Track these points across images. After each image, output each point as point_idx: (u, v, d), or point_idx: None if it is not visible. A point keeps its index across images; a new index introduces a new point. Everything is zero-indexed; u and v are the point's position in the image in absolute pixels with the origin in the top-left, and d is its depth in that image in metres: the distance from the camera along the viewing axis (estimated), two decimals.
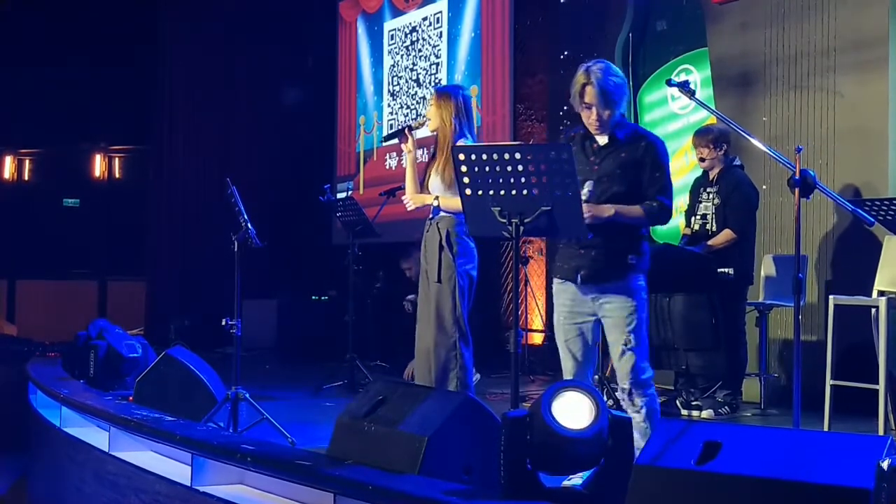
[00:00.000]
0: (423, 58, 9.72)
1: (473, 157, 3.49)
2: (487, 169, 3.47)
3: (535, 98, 8.70)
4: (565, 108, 8.00)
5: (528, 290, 8.12)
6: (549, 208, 3.43)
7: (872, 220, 4.14)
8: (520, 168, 3.42)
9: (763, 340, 5.78)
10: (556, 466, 2.93)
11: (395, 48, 10.18)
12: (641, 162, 3.73)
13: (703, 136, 5.66)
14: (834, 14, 5.86)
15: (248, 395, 4.73)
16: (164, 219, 11.28)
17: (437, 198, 4.62)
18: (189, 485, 3.80)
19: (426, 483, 2.94)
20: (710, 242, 5.51)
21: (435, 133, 4.75)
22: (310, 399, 6.36)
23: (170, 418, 4.44)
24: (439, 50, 9.48)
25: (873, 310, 4.83)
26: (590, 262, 3.74)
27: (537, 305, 8.35)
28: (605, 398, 4.21)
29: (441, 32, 9.46)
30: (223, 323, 4.81)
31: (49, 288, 12.33)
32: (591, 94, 3.70)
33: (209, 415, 4.66)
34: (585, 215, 3.57)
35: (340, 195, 8.81)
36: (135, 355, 5.84)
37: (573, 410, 2.81)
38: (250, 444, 3.75)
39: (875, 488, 2.18)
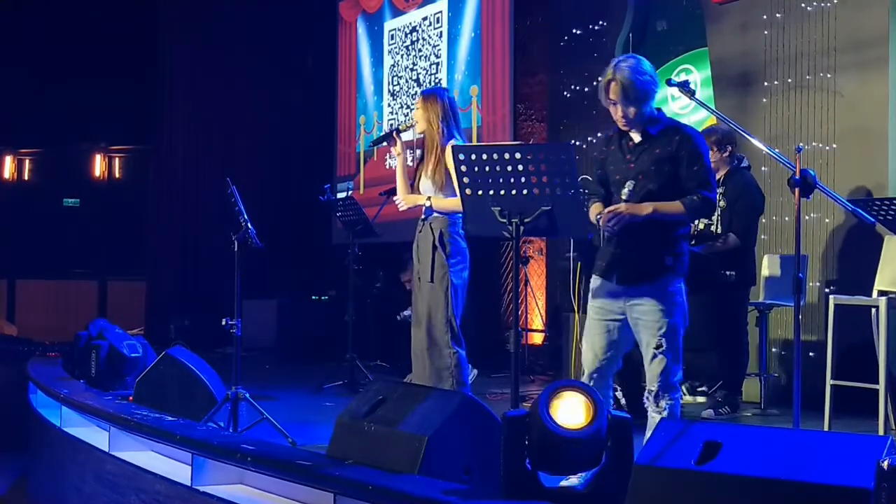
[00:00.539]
0: (423, 58, 9.72)
1: (473, 156, 3.49)
2: (487, 169, 3.47)
3: (535, 98, 8.71)
4: (565, 108, 8.02)
5: (528, 290, 8.12)
6: (549, 208, 3.43)
7: (872, 220, 4.14)
8: (520, 168, 3.42)
9: (763, 340, 5.78)
10: (554, 466, 2.93)
11: (396, 48, 10.18)
12: (677, 156, 3.64)
13: (707, 137, 5.64)
14: (834, 14, 5.86)
15: (248, 395, 4.73)
16: (164, 219, 11.27)
17: (429, 198, 4.64)
18: (189, 485, 3.80)
19: (426, 483, 2.94)
20: (717, 250, 5.47)
21: (422, 136, 4.77)
22: (310, 399, 6.36)
23: (170, 418, 4.44)
24: (439, 50, 9.48)
25: (873, 310, 4.83)
26: (624, 262, 3.68)
27: (537, 305, 8.35)
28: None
29: (441, 32, 9.46)
30: (223, 323, 4.81)
31: (49, 288, 12.34)
32: (614, 90, 3.65)
33: (209, 415, 4.65)
34: (623, 213, 3.56)
35: (340, 195, 8.80)
36: (136, 355, 5.83)
37: (571, 410, 2.80)
38: (250, 444, 3.75)
39: (875, 488, 2.18)
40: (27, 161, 12.94)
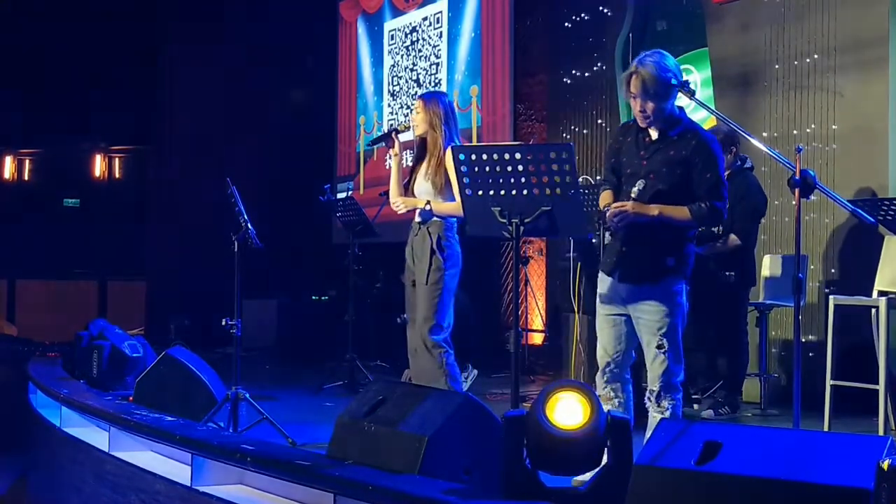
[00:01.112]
0: (423, 58, 9.72)
1: (473, 157, 3.50)
2: (487, 169, 3.47)
3: (535, 98, 8.70)
4: (565, 108, 8.02)
5: (528, 290, 8.12)
6: (549, 208, 3.43)
7: (872, 220, 4.14)
8: (520, 168, 3.43)
9: (763, 340, 5.77)
10: (553, 466, 2.93)
11: (396, 48, 10.18)
12: (690, 161, 3.63)
13: None
14: (834, 14, 5.86)
15: (248, 395, 4.73)
16: (164, 219, 11.27)
17: (428, 202, 4.63)
18: (189, 485, 3.80)
19: (426, 483, 2.94)
20: (718, 251, 5.47)
21: (417, 138, 4.77)
22: (310, 399, 6.36)
23: (170, 418, 4.44)
24: (439, 50, 9.48)
25: (873, 310, 4.83)
26: (627, 260, 3.69)
27: (537, 305, 8.34)
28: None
29: (441, 32, 9.46)
30: (223, 323, 4.81)
31: (49, 288, 12.33)
32: (635, 84, 3.63)
33: (209, 415, 4.65)
34: (629, 211, 3.56)
35: (340, 195, 8.80)
36: (138, 355, 5.84)
37: (568, 410, 2.80)
38: (250, 444, 3.75)
39: (875, 488, 2.18)
40: (27, 161, 12.93)
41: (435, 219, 4.63)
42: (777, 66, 6.18)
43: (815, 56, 5.95)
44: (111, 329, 6.15)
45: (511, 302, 8.58)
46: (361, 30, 10.84)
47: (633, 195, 3.64)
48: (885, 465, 2.23)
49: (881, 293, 4.85)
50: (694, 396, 5.56)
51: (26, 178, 12.92)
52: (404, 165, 5.18)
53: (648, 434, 3.38)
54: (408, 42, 9.97)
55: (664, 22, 7.30)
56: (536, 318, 8.43)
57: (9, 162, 12.82)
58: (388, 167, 10.02)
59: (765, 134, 6.10)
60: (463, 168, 3.51)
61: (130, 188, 12.55)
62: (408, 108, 9.89)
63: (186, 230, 11.03)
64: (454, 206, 4.45)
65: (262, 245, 4.77)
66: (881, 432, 4.61)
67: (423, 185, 4.69)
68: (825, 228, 5.87)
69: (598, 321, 3.82)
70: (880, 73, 5.63)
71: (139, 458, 4.37)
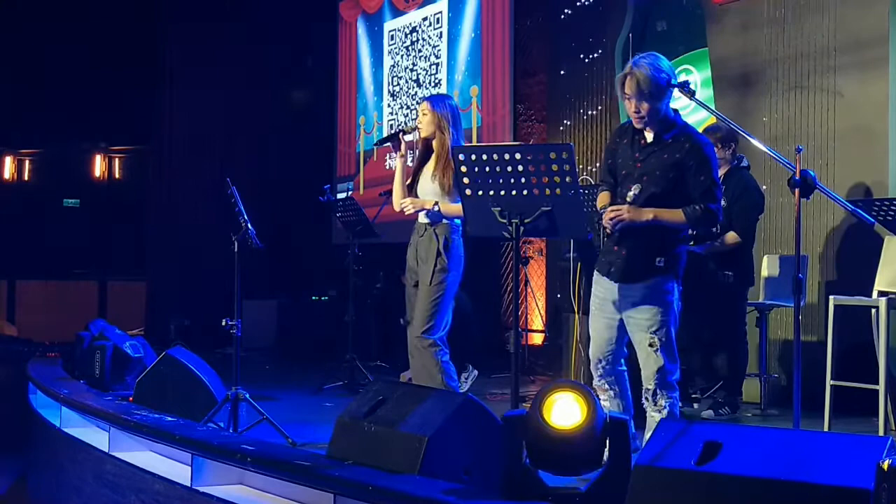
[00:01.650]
0: (423, 58, 9.72)
1: (473, 157, 3.50)
2: (487, 169, 3.47)
3: (535, 98, 8.70)
4: (565, 108, 8.02)
5: (528, 290, 8.12)
6: (549, 208, 3.44)
7: (872, 220, 4.14)
8: (520, 168, 3.43)
9: (763, 340, 5.78)
10: (553, 466, 2.93)
11: (395, 48, 10.18)
12: (684, 164, 3.67)
13: (711, 134, 5.62)
14: (834, 14, 5.86)
15: (248, 395, 4.72)
16: (164, 219, 11.28)
17: (436, 203, 4.63)
18: (189, 485, 3.80)
19: (426, 483, 2.94)
20: (717, 250, 5.47)
21: (421, 140, 4.78)
22: (310, 399, 6.36)
23: (170, 418, 4.44)
24: (439, 50, 9.48)
25: (873, 310, 4.83)
26: (620, 260, 3.75)
27: (537, 305, 8.35)
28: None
29: (441, 33, 9.46)
30: (223, 323, 4.80)
31: (49, 288, 12.34)
32: (630, 85, 3.66)
33: (209, 415, 4.65)
34: (624, 216, 3.59)
35: (340, 195, 8.80)
36: (139, 355, 5.84)
37: (565, 410, 2.80)
38: (250, 445, 3.75)
39: (875, 488, 2.18)
40: (27, 161, 12.95)
41: (443, 221, 4.65)
42: (777, 66, 6.18)
43: (815, 56, 5.96)
44: (111, 329, 6.15)
45: (511, 302, 8.58)
46: (361, 30, 10.84)
47: (628, 199, 3.67)
48: (886, 465, 2.23)
49: (881, 293, 4.85)
50: (693, 396, 5.56)
51: (26, 178, 12.93)
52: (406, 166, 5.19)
53: (648, 434, 3.38)
54: (408, 42, 9.97)
55: (664, 22, 7.30)
56: (536, 319, 8.43)
57: (9, 162, 12.83)
58: (388, 167, 10.03)
59: (765, 134, 6.10)
60: (463, 168, 3.51)
61: (130, 188, 12.56)
62: (408, 108, 9.89)
63: (186, 230, 11.03)
64: (461, 207, 4.46)
65: (263, 245, 4.78)
66: (881, 432, 4.61)
67: (429, 186, 4.70)
68: (825, 228, 5.87)
69: (592, 317, 3.89)
70: (880, 73, 5.63)
71: (139, 458, 4.36)
